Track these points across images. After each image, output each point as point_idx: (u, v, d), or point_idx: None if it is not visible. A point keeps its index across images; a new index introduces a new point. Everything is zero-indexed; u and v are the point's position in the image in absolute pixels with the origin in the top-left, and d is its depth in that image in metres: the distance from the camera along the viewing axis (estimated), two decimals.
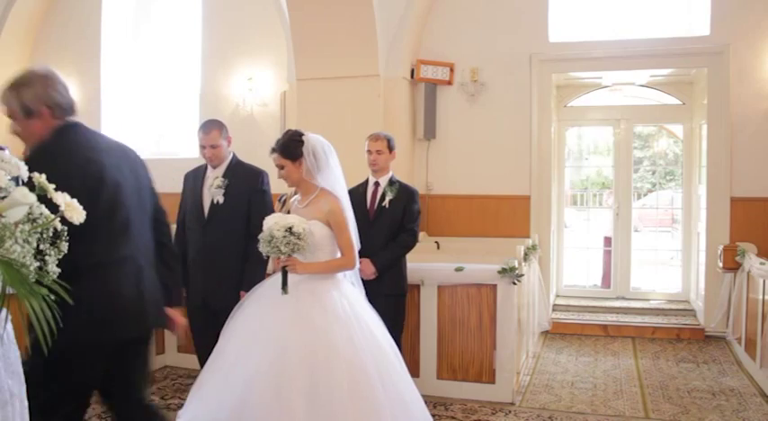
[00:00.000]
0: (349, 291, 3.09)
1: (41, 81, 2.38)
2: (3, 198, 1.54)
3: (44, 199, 1.64)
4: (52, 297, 1.53)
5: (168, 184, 5.64)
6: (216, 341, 3.02)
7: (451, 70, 6.87)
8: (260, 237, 2.96)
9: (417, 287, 4.58)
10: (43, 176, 1.68)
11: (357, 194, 3.93)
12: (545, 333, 6.41)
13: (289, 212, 3.22)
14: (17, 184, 1.60)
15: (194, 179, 3.94)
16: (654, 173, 10.87)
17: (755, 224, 6.18)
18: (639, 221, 11.18)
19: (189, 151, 7.15)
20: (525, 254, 5.02)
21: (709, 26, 6.32)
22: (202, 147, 3.81)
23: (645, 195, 12.88)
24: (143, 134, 8.21)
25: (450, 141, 6.94)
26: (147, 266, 2.54)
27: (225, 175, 3.80)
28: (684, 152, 7.58)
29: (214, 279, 3.74)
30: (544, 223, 6.79)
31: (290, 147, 3.12)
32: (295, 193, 3.41)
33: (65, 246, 1.65)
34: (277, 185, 3.79)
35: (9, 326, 1.66)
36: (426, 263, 4.69)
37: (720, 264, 6.08)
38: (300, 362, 2.73)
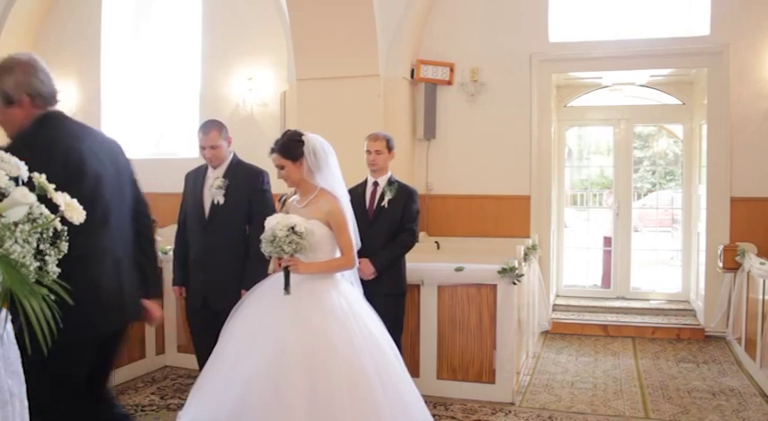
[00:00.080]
0: (348, 291, 3.09)
1: (23, 68, 2.33)
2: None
3: (44, 199, 1.64)
4: (52, 297, 1.53)
5: (168, 184, 5.67)
6: (216, 341, 3.02)
7: (451, 70, 6.87)
8: (262, 237, 2.95)
9: (417, 287, 4.58)
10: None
11: (356, 194, 3.93)
12: (545, 333, 6.41)
13: (287, 213, 3.22)
14: (16, 184, 1.60)
15: (195, 179, 3.92)
16: (654, 173, 10.87)
17: (755, 224, 6.18)
18: (639, 221, 11.18)
19: (189, 151, 7.15)
20: (525, 254, 5.02)
21: (709, 26, 6.32)
22: (202, 148, 3.80)
23: (645, 195, 12.87)
24: (143, 134, 8.21)
25: (450, 141, 6.94)
26: (126, 258, 2.51)
27: (225, 176, 3.79)
28: (684, 152, 7.58)
29: (215, 279, 3.74)
30: (544, 223, 6.79)
31: (291, 147, 3.11)
32: (294, 193, 3.41)
33: (65, 246, 1.65)
34: (277, 185, 3.80)
35: (9, 326, 1.66)
36: (426, 263, 4.69)
37: (720, 264, 6.08)
38: (299, 363, 2.73)
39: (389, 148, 4.14)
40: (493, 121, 6.80)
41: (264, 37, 7.34)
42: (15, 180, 1.62)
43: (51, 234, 1.61)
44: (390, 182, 4.14)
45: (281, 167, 3.14)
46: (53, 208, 1.65)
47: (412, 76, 6.76)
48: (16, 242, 1.49)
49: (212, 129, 3.78)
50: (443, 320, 4.59)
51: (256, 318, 2.94)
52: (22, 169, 1.65)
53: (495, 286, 4.48)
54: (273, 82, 7.33)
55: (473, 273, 4.52)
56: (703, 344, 6.08)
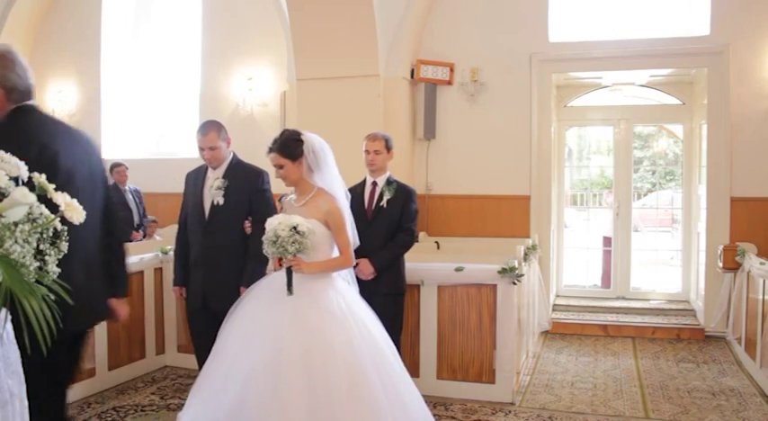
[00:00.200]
0: (345, 290, 3.09)
1: (0, 61, 2.30)
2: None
3: (44, 199, 1.64)
4: (52, 296, 1.53)
5: (168, 184, 5.69)
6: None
7: (451, 70, 6.87)
8: (264, 238, 2.94)
9: (417, 287, 4.58)
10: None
11: (355, 194, 3.92)
12: (545, 333, 6.41)
13: (285, 212, 3.21)
14: (16, 184, 1.60)
15: (195, 180, 3.90)
16: (654, 173, 10.86)
17: (755, 224, 6.18)
18: (639, 221, 11.17)
19: (189, 151, 7.14)
20: (525, 254, 5.02)
21: (708, 26, 6.32)
22: (201, 149, 3.76)
23: (645, 195, 12.87)
24: (143, 134, 8.22)
25: (450, 141, 6.94)
26: (94, 257, 2.49)
27: (225, 176, 3.77)
28: (684, 152, 7.57)
29: (215, 280, 3.72)
30: (544, 223, 6.79)
31: (291, 146, 3.11)
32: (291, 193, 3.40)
33: (65, 246, 1.65)
34: (277, 185, 3.79)
35: (9, 325, 1.66)
36: (426, 263, 4.69)
37: (720, 264, 6.08)
38: (297, 362, 2.73)
39: (388, 148, 4.14)
40: (493, 121, 6.80)
41: (264, 37, 7.35)
42: (15, 180, 1.62)
43: (51, 234, 1.61)
44: (389, 182, 4.14)
45: (279, 167, 3.13)
46: (53, 208, 1.65)
47: (412, 75, 6.76)
48: (16, 242, 1.49)
49: (211, 130, 3.75)
50: (443, 320, 4.59)
51: (254, 318, 2.93)
52: (22, 169, 1.65)
53: (495, 286, 4.47)
54: (273, 82, 7.34)
55: (473, 273, 4.52)
56: (703, 344, 6.08)
